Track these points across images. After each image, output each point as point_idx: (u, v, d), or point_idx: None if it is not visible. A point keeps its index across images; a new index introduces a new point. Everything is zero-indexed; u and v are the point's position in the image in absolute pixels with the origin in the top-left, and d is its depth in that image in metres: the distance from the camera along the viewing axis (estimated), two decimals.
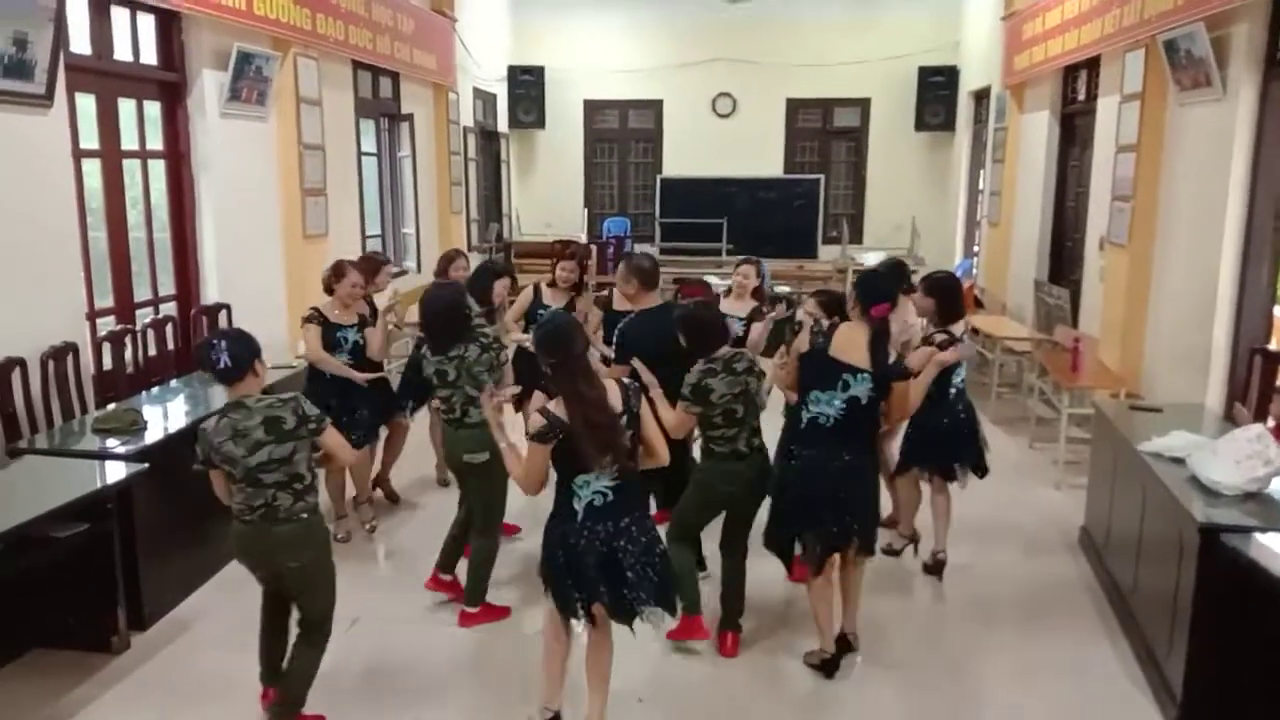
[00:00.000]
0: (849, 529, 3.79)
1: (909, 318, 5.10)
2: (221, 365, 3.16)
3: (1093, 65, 7.99)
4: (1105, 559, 4.74)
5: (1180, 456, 3.97)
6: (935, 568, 4.77)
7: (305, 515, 3.26)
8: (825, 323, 4.13)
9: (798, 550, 3.96)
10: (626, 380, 3.29)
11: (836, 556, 3.89)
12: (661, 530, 3.49)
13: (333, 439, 3.34)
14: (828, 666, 3.90)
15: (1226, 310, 5.62)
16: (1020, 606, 4.57)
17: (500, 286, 5.48)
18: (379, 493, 5.67)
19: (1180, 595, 3.53)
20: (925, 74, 12.86)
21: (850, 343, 3.73)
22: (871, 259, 10.67)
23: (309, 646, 3.40)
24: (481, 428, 3.92)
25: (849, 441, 3.75)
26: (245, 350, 3.23)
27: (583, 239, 12.48)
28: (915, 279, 5.35)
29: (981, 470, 4.82)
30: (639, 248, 12.98)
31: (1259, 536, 3.31)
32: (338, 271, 5.08)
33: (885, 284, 3.97)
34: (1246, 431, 3.84)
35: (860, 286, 3.85)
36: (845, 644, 3.97)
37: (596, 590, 3.15)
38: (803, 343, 3.97)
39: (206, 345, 3.21)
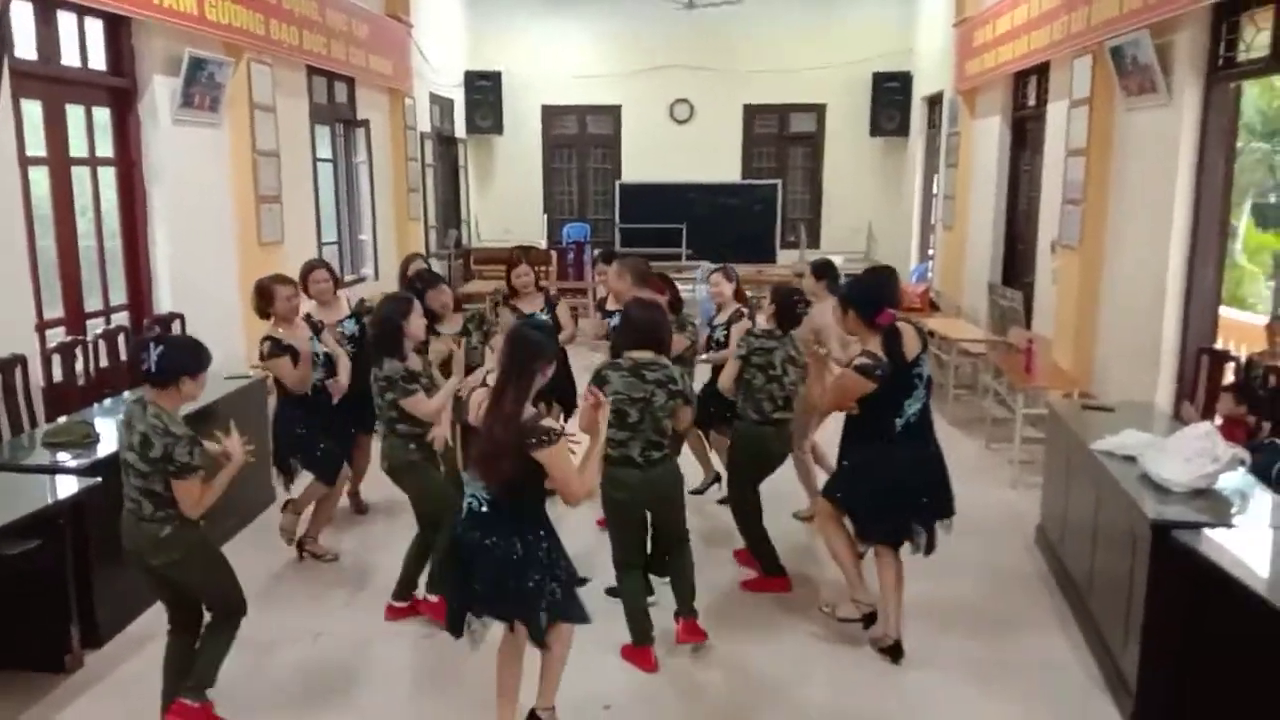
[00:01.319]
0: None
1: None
2: (145, 366, 3.16)
3: (1043, 71, 8.14)
4: (1061, 556, 4.82)
5: (1132, 455, 4.05)
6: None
7: (168, 527, 3.24)
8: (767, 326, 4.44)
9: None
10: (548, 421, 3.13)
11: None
12: None
13: (182, 489, 3.20)
14: (869, 619, 4.10)
15: (1174, 310, 5.76)
16: (978, 603, 4.63)
17: (435, 296, 5.17)
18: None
19: (1134, 590, 3.61)
20: (880, 79, 13.02)
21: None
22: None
23: (214, 632, 3.46)
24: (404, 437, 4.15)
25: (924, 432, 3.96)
26: (175, 363, 3.19)
27: (542, 245, 12.46)
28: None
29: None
30: (598, 253, 13.00)
31: (1208, 532, 3.39)
32: (262, 293, 4.81)
33: (880, 291, 3.97)
34: (1195, 429, 3.94)
35: (858, 299, 3.88)
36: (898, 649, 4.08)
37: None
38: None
39: (141, 343, 3.22)
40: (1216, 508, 3.61)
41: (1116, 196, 6.52)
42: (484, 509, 3.10)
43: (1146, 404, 5.45)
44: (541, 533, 3.17)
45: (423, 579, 4.36)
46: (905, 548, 4.06)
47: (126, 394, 5.31)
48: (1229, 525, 3.47)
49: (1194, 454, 3.74)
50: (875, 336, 3.80)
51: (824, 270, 5.52)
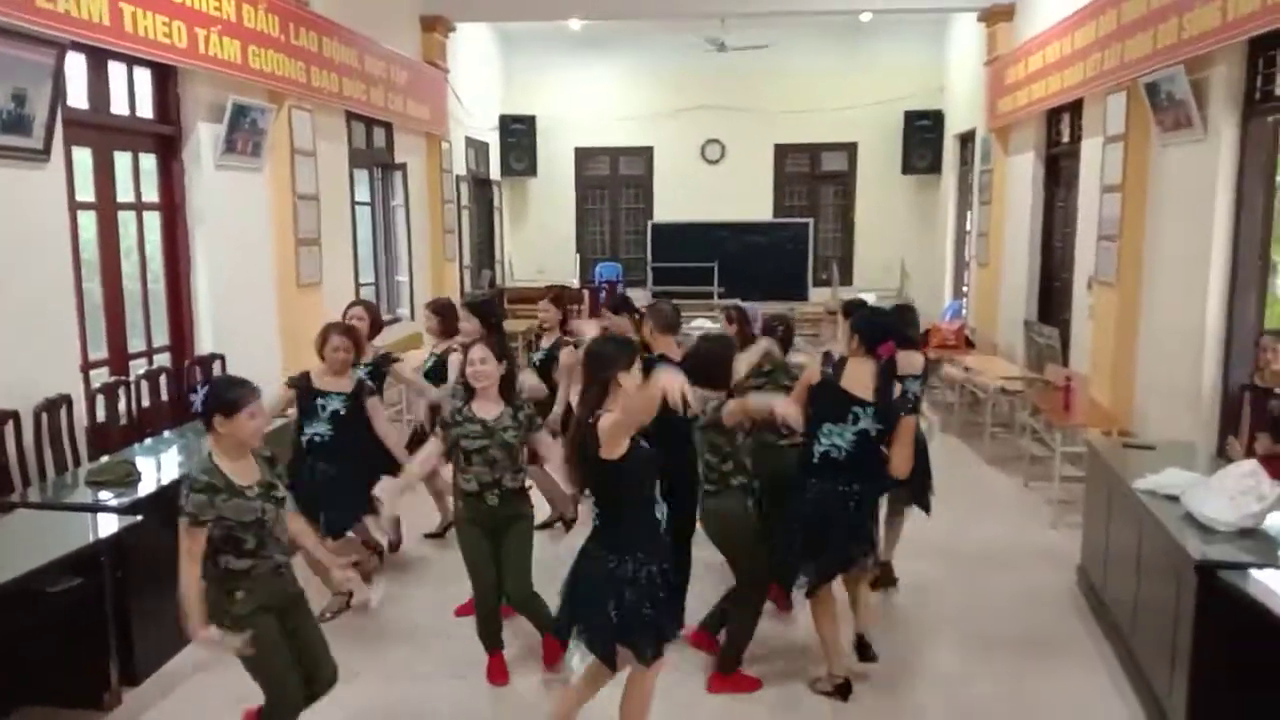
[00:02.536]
0: (857, 555, 3.91)
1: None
2: (194, 408, 3.18)
3: (1076, 107, 8.12)
4: (1103, 597, 4.72)
5: (1175, 494, 3.97)
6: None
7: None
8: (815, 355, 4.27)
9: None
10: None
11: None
12: None
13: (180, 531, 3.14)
14: (842, 691, 3.96)
15: (1215, 346, 5.67)
16: (1019, 646, 4.53)
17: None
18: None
19: (1179, 633, 3.52)
20: (911, 118, 13.06)
21: (856, 378, 3.82)
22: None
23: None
24: None
25: (860, 473, 3.83)
26: (207, 403, 3.14)
27: (575, 284, 12.55)
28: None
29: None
30: (631, 292, 13.07)
31: (1256, 573, 3.31)
32: (323, 336, 4.75)
33: (889, 323, 4.04)
34: (1240, 467, 3.86)
35: (864, 327, 3.92)
36: (864, 648, 4.10)
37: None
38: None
39: (200, 382, 3.26)
40: (1264, 548, 3.52)
41: (1153, 232, 6.46)
42: (598, 522, 3.26)
43: (1188, 442, 5.35)
44: (640, 555, 3.20)
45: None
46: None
47: (167, 433, 5.41)
48: (1277, 566, 3.38)
49: (1239, 492, 3.67)
50: (873, 364, 3.82)
51: (853, 310, 5.47)
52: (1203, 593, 3.34)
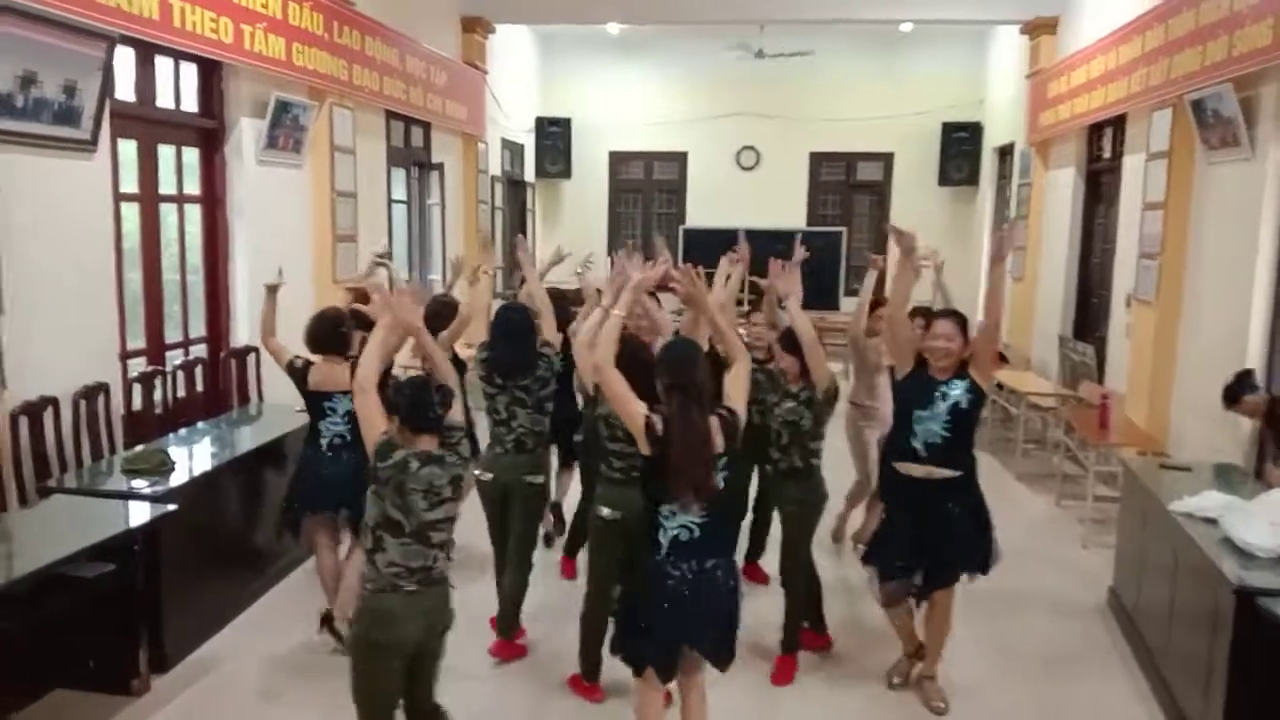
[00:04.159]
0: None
1: None
2: (433, 415, 2.97)
3: (1118, 123, 8.03)
4: (1136, 620, 4.65)
5: (1213, 517, 3.91)
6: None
7: (447, 574, 3.08)
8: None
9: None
10: (726, 414, 3.12)
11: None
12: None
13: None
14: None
15: (1257, 369, 5.56)
16: (1049, 668, 4.48)
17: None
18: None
19: (1215, 659, 3.46)
20: (949, 129, 12.95)
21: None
22: None
23: None
24: (533, 454, 4.22)
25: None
26: (446, 401, 3.05)
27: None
28: None
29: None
30: (662, 297, 13.05)
31: None
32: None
33: None
34: None
35: None
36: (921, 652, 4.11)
37: (659, 634, 3.07)
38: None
39: (425, 391, 2.99)
40: None
41: (1195, 251, 6.36)
42: (698, 534, 3.05)
43: (1226, 464, 5.26)
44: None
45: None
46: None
47: (201, 424, 5.46)
48: None
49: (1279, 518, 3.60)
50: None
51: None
52: (1241, 618, 3.29)
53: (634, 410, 3.07)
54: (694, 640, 3.10)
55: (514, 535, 4.35)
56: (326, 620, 4.33)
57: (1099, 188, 8.74)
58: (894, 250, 4.15)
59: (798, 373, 4.20)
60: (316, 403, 4.35)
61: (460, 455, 3.03)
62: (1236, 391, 4.76)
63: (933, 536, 3.83)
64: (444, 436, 3.03)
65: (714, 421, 3.06)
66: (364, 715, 3.02)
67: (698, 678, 3.23)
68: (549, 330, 4.47)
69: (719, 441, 3.03)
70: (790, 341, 4.19)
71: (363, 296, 5.08)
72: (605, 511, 3.80)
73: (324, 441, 4.35)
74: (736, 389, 3.20)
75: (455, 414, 3.13)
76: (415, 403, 2.96)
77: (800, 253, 4.59)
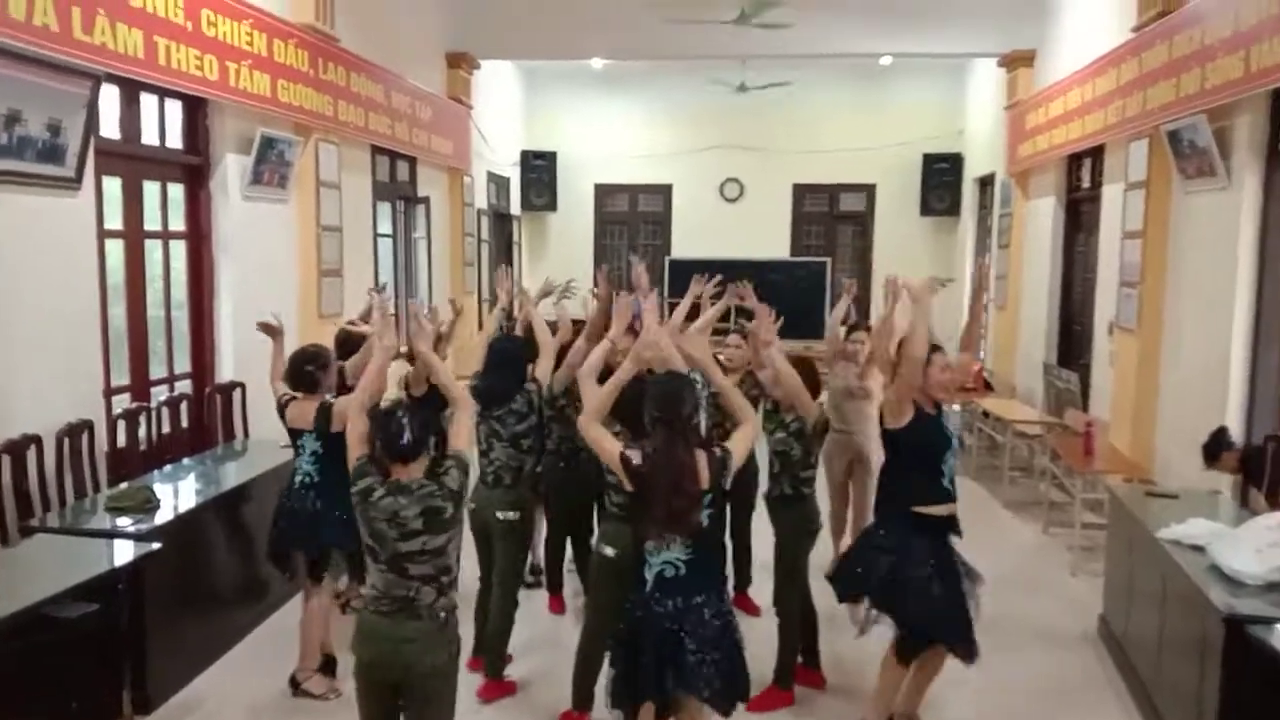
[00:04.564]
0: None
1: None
2: (405, 442, 2.93)
3: (1097, 153, 8.14)
4: (1126, 648, 4.65)
5: (1200, 544, 3.93)
6: None
7: (443, 614, 2.98)
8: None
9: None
10: (717, 452, 3.15)
11: None
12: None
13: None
14: None
15: (1238, 397, 5.62)
16: (1039, 697, 4.47)
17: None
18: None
19: (1205, 685, 3.47)
20: (930, 160, 13.11)
21: None
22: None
23: None
24: (511, 489, 4.23)
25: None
26: (425, 427, 3.00)
27: None
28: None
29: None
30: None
31: None
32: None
33: None
34: (1267, 519, 3.82)
35: None
36: None
37: (650, 678, 2.99)
38: None
39: (389, 418, 2.97)
40: None
41: (1175, 279, 6.44)
42: (683, 571, 3.02)
43: (1211, 491, 5.30)
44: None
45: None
46: None
47: (186, 460, 5.42)
48: None
49: (1267, 545, 3.62)
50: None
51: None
52: (1230, 646, 3.29)
53: (610, 449, 3.09)
54: (685, 684, 3.01)
55: (496, 570, 4.35)
56: (293, 683, 4.34)
57: (1079, 217, 8.85)
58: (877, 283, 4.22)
59: (790, 404, 4.23)
60: (292, 440, 4.35)
61: (447, 487, 2.97)
62: (1215, 450, 4.88)
63: (952, 583, 3.77)
64: (435, 465, 3.00)
65: (702, 457, 3.06)
66: None
67: None
68: (543, 368, 4.48)
69: (705, 477, 3.02)
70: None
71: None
72: (607, 550, 3.78)
73: (296, 479, 4.33)
74: (740, 445, 3.20)
75: (460, 442, 3.10)
76: (383, 432, 2.96)
77: (746, 290, 5.02)
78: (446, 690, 3.02)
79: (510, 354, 4.39)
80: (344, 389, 4.45)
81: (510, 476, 4.30)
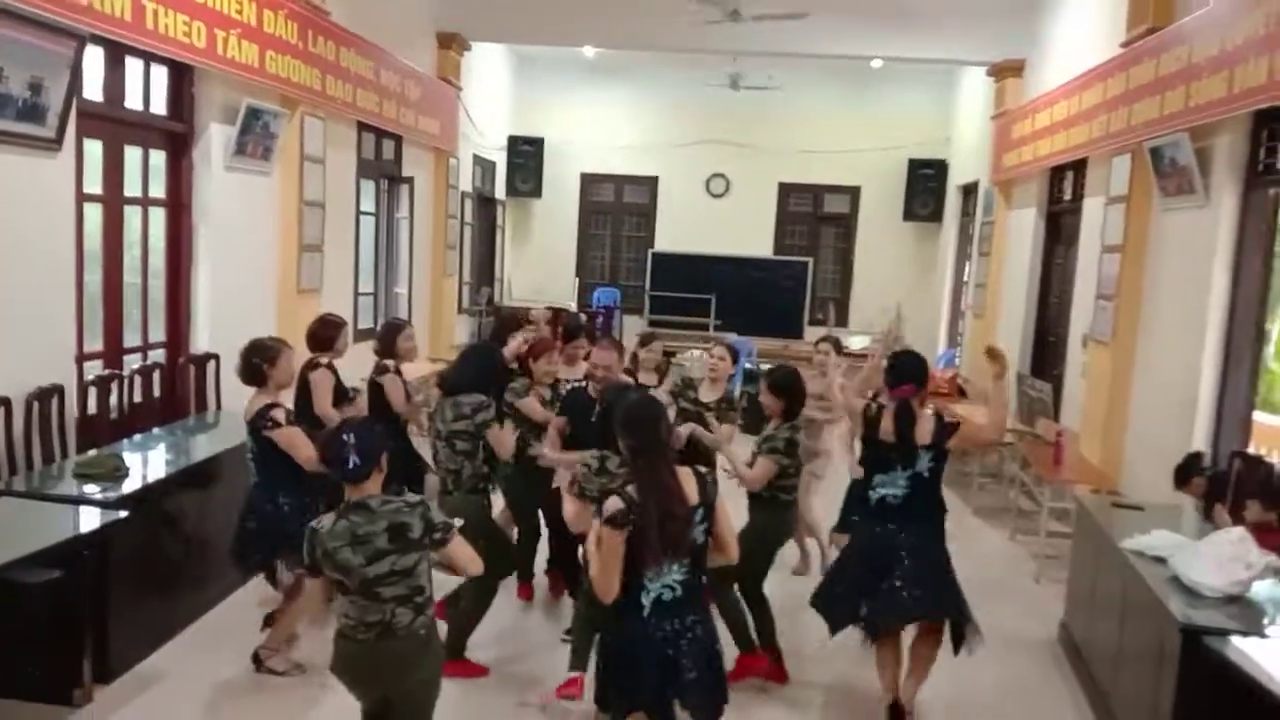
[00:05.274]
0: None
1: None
2: (351, 465, 2.85)
3: (1080, 166, 8.21)
4: (1085, 655, 4.71)
5: (1162, 556, 3.98)
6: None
7: (423, 632, 2.95)
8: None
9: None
10: (704, 470, 3.18)
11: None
12: None
13: (460, 551, 2.99)
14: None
15: (1207, 412, 5.70)
16: (994, 702, 4.52)
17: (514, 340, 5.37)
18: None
19: (1160, 695, 3.52)
20: (915, 166, 13.18)
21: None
22: (857, 342, 10.80)
23: None
24: (447, 495, 4.28)
25: (913, 518, 4.04)
26: (374, 444, 2.92)
27: (573, 307, 12.57)
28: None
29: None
30: (628, 319, 13.12)
31: (1240, 640, 3.32)
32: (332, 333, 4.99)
33: (907, 369, 4.16)
34: (1229, 534, 3.88)
35: (891, 370, 4.15)
36: (898, 712, 4.02)
37: (649, 696, 2.99)
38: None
39: (336, 442, 2.90)
40: (1249, 616, 3.53)
41: (1150, 294, 6.51)
42: (679, 593, 2.99)
43: (1176, 505, 5.36)
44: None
45: None
46: None
47: (157, 430, 5.37)
48: (1262, 635, 3.38)
49: (1227, 559, 3.68)
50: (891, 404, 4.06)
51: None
52: (1187, 657, 3.34)
53: (615, 545, 2.93)
54: (682, 697, 3.01)
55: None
56: (256, 660, 4.32)
57: (1059, 229, 8.92)
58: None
59: (779, 411, 4.33)
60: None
61: (405, 502, 2.92)
62: (1186, 474, 5.03)
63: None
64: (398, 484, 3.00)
65: (686, 474, 3.05)
66: None
67: None
68: (529, 408, 4.82)
69: (693, 494, 3.01)
70: (775, 382, 4.36)
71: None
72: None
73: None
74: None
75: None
76: (330, 457, 2.91)
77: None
78: (433, 694, 3.06)
79: (480, 352, 4.46)
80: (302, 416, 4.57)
81: (451, 481, 4.32)
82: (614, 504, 2.90)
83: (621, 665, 3.03)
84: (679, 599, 2.99)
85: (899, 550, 3.98)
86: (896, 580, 3.94)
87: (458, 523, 3.04)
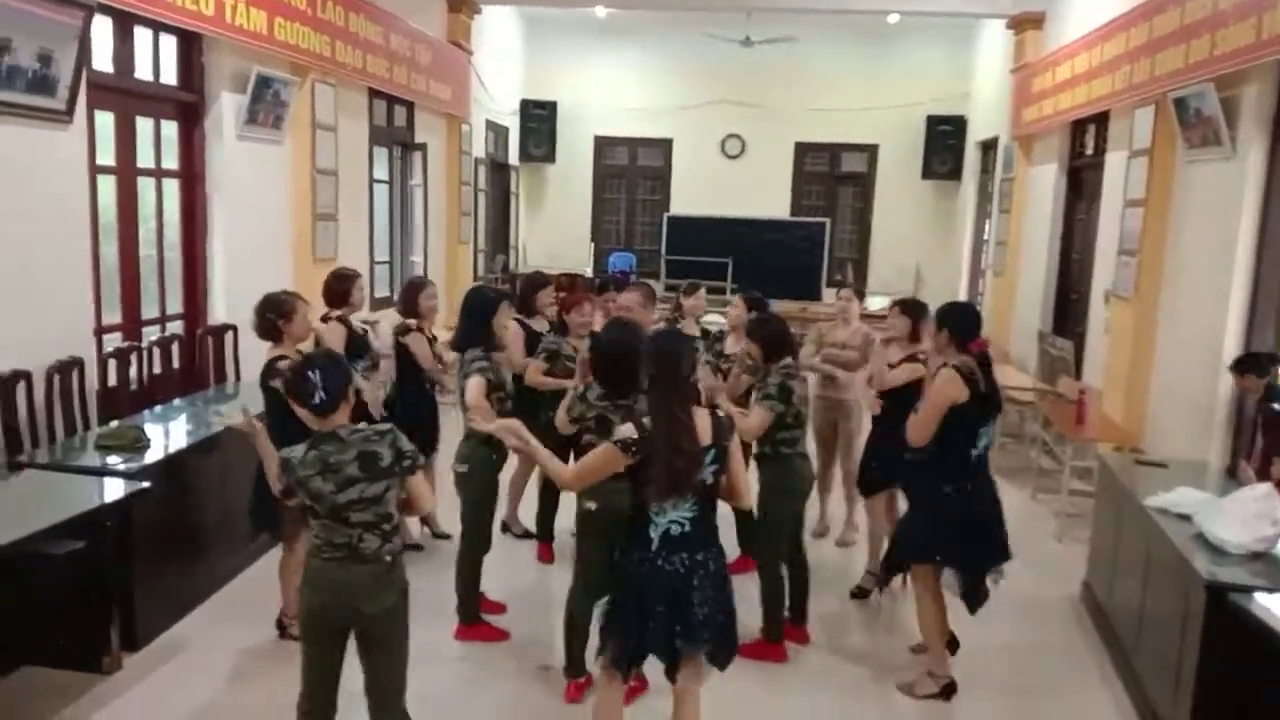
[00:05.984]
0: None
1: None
2: (317, 400, 2.86)
3: (1101, 120, 8.06)
4: (1108, 614, 4.69)
5: (1186, 513, 3.95)
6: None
7: (389, 558, 2.96)
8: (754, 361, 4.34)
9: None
10: (720, 412, 3.17)
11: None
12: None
13: (419, 484, 3.02)
14: (947, 691, 4.03)
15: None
16: (1017, 659, 4.51)
17: (545, 295, 5.42)
18: None
19: (1185, 654, 3.50)
20: (933, 123, 12.99)
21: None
22: (877, 302, 10.72)
23: None
24: (464, 442, 4.28)
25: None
26: (340, 378, 2.93)
27: (588, 272, 12.53)
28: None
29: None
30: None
31: (1265, 597, 3.29)
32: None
33: (974, 320, 4.19)
34: (1254, 490, 3.83)
35: (954, 325, 4.05)
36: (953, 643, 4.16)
37: (658, 632, 2.98)
38: (737, 385, 4.56)
39: (300, 378, 2.89)
40: (1275, 571, 3.49)
41: (1174, 249, 6.41)
42: (688, 529, 2.99)
43: (1201, 461, 5.32)
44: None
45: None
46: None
47: (177, 401, 5.40)
48: None
49: (1253, 516, 3.63)
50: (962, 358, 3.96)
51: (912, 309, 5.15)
52: (1211, 613, 3.32)
53: (604, 460, 3.01)
54: (692, 641, 2.99)
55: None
56: (280, 626, 4.35)
57: (1080, 184, 8.79)
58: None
59: (760, 357, 4.33)
60: None
61: (375, 430, 2.94)
62: (1246, 366, 4.77)
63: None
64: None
65: (703, 415, 3.04)
66: (302, 684, 3.02)
67: (695, 688, 3.14)
68: (515, 358, 4.86)
69: (707, 435, 3.00)
70: (749, 329, 4.43)
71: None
72: (588, 504, 3.77)
73: None
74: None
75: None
76: (296, 394, 2.90)
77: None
78: (399, 631, 3.02)
79: (468, 308, 4.45)
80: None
81: (466, 433, 4.31)
82: (628, 430, 2.95)
83: (628, 608, 3.03)
84: (687, 534, 2.99)
85: (999, 501, 4.18)
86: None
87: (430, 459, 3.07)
